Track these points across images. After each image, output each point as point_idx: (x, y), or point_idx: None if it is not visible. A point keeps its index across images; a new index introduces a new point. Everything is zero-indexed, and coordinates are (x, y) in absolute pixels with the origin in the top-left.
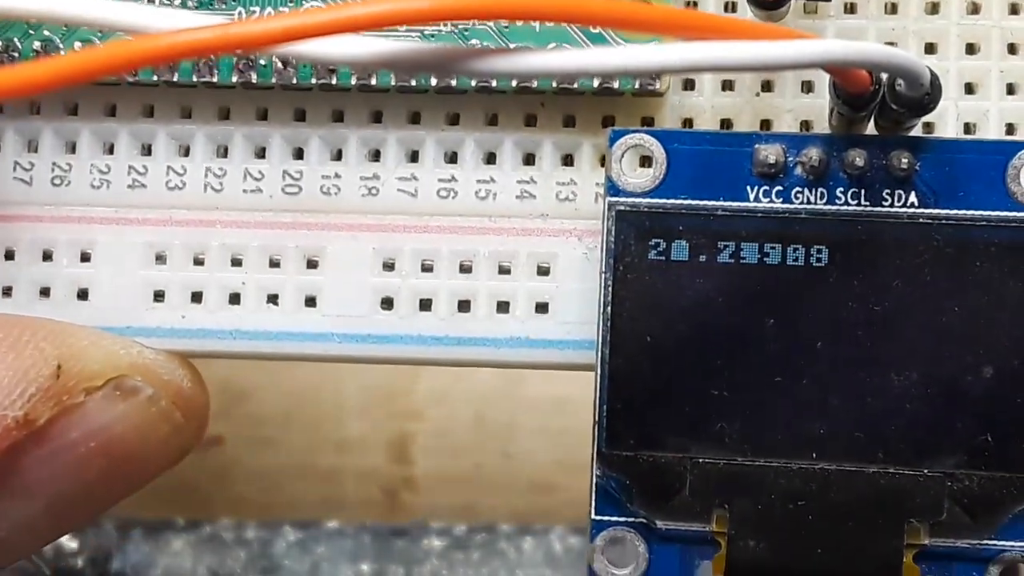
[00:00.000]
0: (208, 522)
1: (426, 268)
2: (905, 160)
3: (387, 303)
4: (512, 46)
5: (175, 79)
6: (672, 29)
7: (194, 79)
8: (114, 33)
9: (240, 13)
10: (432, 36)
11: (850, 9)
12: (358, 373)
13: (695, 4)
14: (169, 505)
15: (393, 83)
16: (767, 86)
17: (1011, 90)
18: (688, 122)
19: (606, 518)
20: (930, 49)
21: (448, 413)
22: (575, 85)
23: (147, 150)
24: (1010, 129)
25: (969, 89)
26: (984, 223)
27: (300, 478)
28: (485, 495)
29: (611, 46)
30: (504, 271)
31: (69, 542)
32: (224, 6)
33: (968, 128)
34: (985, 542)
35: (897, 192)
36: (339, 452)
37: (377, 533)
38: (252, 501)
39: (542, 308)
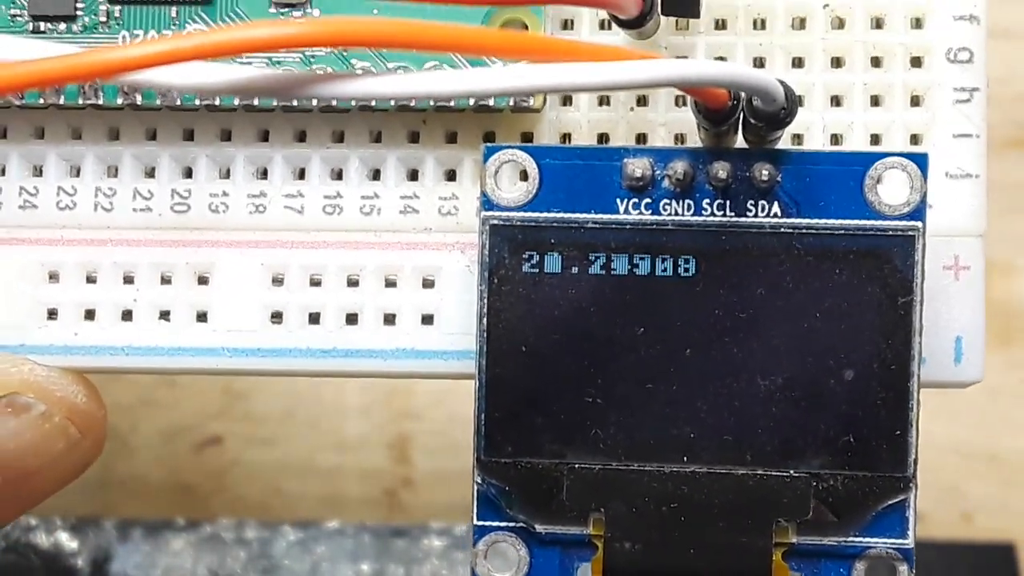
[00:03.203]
0: (208, 522)
1: (314, 283)
2: (766, 172)
3: (276, 317)
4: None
5: (62, 102)
6: (510, 53)
7: (80, 102)
8: None
9: (124, 37)
10: (313, 58)
11: (720, 25)
12: None
13: (571, 23)
14: (169, 505)
15: (275, 103)
16: (642, 100)
17: (875, 102)
18: (566, 137)
19: (488, 523)
20: (797, 63)
21: (448, 413)
22: (452, 104)
23: (38, 171)
24: (875, 140)
25: (835, 102)
26: (843, 231)
27: (300, 478)
28: None
29: (446, 71)
30: (390, 284)
31: (69, 542)
32: (108, 30)
33: (835, 139)
34: (851, 539)
35: (761, 203)
36: (339, 452)
37: (377, 533)
38: (252, 501)
39: (427, 320)
